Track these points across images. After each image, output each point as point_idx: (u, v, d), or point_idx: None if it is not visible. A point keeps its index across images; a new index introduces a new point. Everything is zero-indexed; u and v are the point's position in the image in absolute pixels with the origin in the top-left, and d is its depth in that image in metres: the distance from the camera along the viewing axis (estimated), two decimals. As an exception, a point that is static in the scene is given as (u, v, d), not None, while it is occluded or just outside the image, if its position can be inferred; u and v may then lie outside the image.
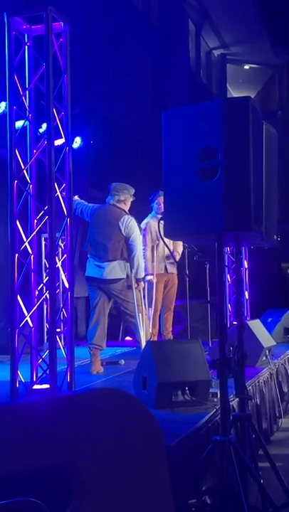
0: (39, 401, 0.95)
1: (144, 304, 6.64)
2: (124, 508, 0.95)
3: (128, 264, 6.07)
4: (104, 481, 0.94)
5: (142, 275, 6.18)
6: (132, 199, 6.28)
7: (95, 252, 6.08)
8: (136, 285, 6.14)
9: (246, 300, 9.36)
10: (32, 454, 0.89)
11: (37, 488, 1.79)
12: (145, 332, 6.28)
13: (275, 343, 6.28)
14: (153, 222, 7.25)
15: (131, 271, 6.08)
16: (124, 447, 0.97)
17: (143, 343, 5.97)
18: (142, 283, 6.26)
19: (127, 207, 6.22)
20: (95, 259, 6.10)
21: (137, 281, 6.14)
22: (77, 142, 9.27)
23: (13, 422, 0.91)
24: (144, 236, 7.19)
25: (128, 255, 6.07)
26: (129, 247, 6.06)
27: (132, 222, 6.11)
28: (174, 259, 7.21)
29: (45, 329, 7.94)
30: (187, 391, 4.22)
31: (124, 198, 6.20)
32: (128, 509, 0.95)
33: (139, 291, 6.26)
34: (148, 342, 4.72)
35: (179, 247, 7.42)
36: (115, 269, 6.02)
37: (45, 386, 4.31)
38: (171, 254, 7.07)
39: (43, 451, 0.90)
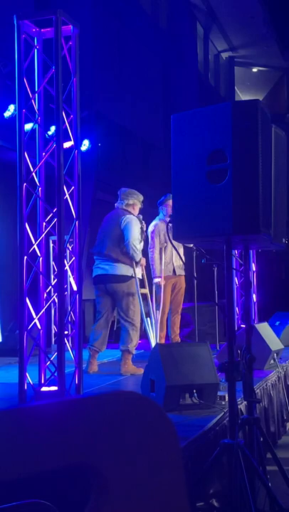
0: (56, 403, 0.95)
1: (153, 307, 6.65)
2: (142, 509, 0.95)
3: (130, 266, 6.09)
4: (123, 482, 0.94)
5: (137, 259, 6.10)
6: (140, 205, 6.31)
7: (97, 249, 6.19)
8: (137, 267, 6.13)
9: (254, 303, 9.34)
10: (48, 456, 0.89)
11: (48, 490, 1.80)
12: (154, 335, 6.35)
13: (283, 346, 6.27)
14: (161, 225, 7.24)
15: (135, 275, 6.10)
16: (141, 449, 0.97)
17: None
18: (142, 260, 6.21)
19: (135, 211, 6.24)
20: (97, 259, 6.22)
21: (136, 264, 6.13)
22: (85, 145, 9.28)
23: (31, 424, 0.91)
24: (152, 238, 7.22)
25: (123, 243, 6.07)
26: (124, 236, 6.04)
27: (131, 218, 6.11)
28: (183, 261, 7.20)
29: (53, 331, 7.98)
30: (195, 394, 4.22)
31: (133, 202, 6.26)
32: (146, 510, 0.96)
33: (143, 268, 6.29)
34: (156, 345, 4.72)
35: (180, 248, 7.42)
36: (119, 268, 6.07)
37: (54, 388, 4.32)
38: (180, 257, 7.05)
39: (58, 454, 0.91)
